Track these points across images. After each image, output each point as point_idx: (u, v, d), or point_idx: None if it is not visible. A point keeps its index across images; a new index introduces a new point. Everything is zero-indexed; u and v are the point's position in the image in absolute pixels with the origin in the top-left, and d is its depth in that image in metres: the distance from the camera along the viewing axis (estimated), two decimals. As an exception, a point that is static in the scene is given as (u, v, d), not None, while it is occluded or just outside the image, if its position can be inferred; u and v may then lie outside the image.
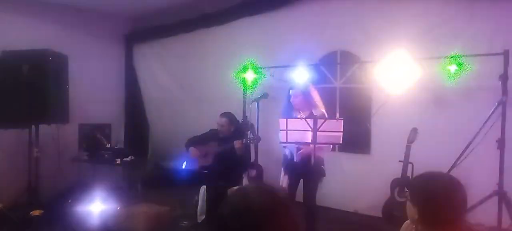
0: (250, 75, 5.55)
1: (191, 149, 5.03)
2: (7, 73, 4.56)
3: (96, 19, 6.53)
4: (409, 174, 4.42)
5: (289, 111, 4.27)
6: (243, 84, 5.68)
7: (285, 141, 3.87)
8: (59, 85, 4.77)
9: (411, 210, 1.81)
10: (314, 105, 4.24)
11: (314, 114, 4.12)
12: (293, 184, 4.23)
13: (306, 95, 4.23)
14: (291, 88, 4.33)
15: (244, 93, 5.69)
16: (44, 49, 4.65)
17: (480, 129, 4.11)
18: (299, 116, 4.15)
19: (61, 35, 5.90)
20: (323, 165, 4.21)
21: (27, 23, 5.57)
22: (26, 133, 4.77)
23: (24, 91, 4.51)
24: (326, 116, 4.18)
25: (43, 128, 4.82)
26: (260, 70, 5.54)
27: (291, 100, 4.23)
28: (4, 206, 4.67)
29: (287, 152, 4.31)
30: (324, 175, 4.22)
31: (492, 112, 4.08)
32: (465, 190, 1.77)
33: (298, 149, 4.15)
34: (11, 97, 4.53)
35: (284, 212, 1.24)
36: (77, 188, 5.30)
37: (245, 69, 5.55)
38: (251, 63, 5.53)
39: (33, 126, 4.73)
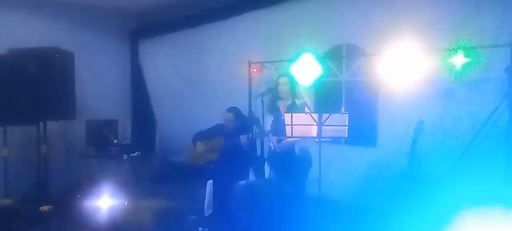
0: (255, 70, 5.56)
1: (198, 143, 5.06)
2: (14, 71, 4.60)
3: (101, 16, 6.55)
4: (415, 167, 4.41)
5: (274, 100, 4.33)
6: (249, 79, 5.68)
7: (291, 135, 3.88)
8: (66, 82, 4.80)
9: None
10: (298, 95, 4.28)
11: (297, 104, 4.16)
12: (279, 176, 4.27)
13: (293, 84, 4.30)
14: (280, 76, 4.39)
15: (250, 88, 5.70)
16: (50, 47, 4.68)
17: (487, 121, 4.09)
18: (278, 106, 4.26)
19: (67, 32, 5.94)
20: (308, 154, 4.24)
21: (33, 21, 5.60)
22: (34, 129, 4.82)
23: (32, 88, 4.55)
24: (308, 105, 4.25)
25: (51, 125, 4.86)
26: (265, 65, 5.54)
27: (278, 89, 4.27)
28: (14, 202, 4.74)
29: (270, 144, 4.37)
30: (311, 165, 4.24)
31: (499, 105, 4.05)
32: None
33: (279, 141, 4.19)
34: (19, 95, 4.57)
35: (290, 206, 1.25)
36: (85, 184, 5.35)
37: (250, 64, 5.56)
38: (256, 58, 5.53)
39: (41, 123, 4.77)
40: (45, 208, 4.33)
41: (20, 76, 4.57)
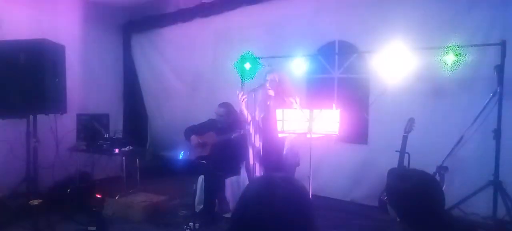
0: (248, 66, 5.56)
1: (193, 137, 5.05)
2: (4, 63, 4.53)
3: (94, 8, 6.48)
4: (405, 164, 4.45)
5: (264, 97, 4.30)
6: (241, 75, 5.68)
7: (282, 131, 3.88)
8: (57, 75, 4.75)
9: (392, 212, 1.83)
10: (288, 94, 4.25)
11: (286, 101, 4.15)
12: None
13: (281, 82, 4.25)
14: (268, 73, 4.33)
15: (242, 84, 5.70)
16: (41, 39, 4.62)
17: (475, 119, 4.14)
18: (269, 103, 4.23)
19: (59, 25, 5.86)
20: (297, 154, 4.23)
21: (24, 13, 5.53)
22: (24, 123, 4.77)
23: (22, 81, 4.50)
24: (297, 104, 4.17)
25: (41, 118, 4.81)
26: (257, 60, 5.55)
27: (267, 85, 4.23)
28: (3, 195, 4.70)
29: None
30: (298, 164, 4.23)
31: (487, 103, 4.10)
32: (439, 184, 1.81)
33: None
34: (9, 87, 4.51)
35: (308, 204, 1.24)
36: (76, 178, 5.33)
37: (243, 59, 5.56)
38: (249, 53, 5.53)
39: (31, 116, 4.73)
40: (34, 202, 4.30)
41: (9, 69, 4.51)
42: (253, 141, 4.25)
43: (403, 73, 4.61)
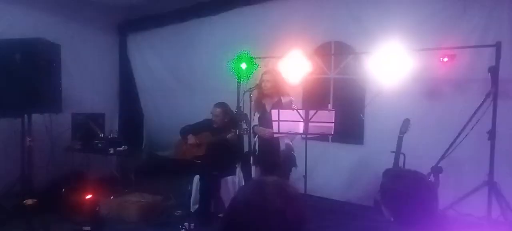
0: (244, 66, 5.56)
1: (189, 136, 5.04)
2: (-1, 62, 4.52)
3: (90, 8, 6.47)
4: (401, 164, 4.46)
5: (260, 97, 4.30)
6: (237, 75, 5.68)
7: (277, 131, 3.88)
8: (52, 75, 4.73)
9: (386, 213, 1.83)
10: (283, 93, 4.26)
11: (283, 102, 4.15)
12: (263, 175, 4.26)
13: (277, 81, 4.26)
14: (264, 73, 4.35)
15: (238, 84, 5.70)
16: (36, 38, 4.60)
17: (470, 120, 4.15)
18: (264, 103, 4.23)
19: (54, 24, 5.83)
20: (293, 152, 4.22)
21: (20, 11, 5.51)
22: (19, 122, 4.75)
23: (17, 80, 4.48)
24: (293, 103, 4.21)
25: (36, 117, 4.79)
26: (254, 60, 5.55)
27: (262, 85, 4.24)
28: (-3, 194, 4.68)
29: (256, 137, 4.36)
30: (295, 165, 4.22)
31: (481, 104, 4.11)
32: (432, 184, 1.81)
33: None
34: (3, 86, 4.49)
35: (298, 208, 1.23)
36: (71, 178, 5.30)
37: (239, 59, 5.55)
38: (245, 53, 5.53)
39: (25, 115, 4.71)
40: (29, 201, 4.28)
41: (4, 67, 4.49)
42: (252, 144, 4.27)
43: (398, 75, 4.62)
